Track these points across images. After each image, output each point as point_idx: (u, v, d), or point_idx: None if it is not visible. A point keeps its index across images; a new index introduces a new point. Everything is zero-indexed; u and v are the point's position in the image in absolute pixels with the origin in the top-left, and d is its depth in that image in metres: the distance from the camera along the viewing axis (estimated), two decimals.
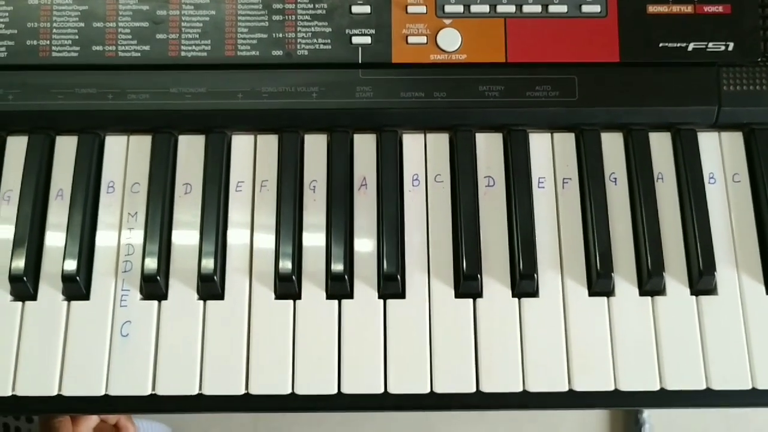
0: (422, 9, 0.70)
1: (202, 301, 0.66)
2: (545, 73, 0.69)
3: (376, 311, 0.66)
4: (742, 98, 0.70)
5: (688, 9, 0.70)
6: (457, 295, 0.66)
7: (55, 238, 0.67)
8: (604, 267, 0.66)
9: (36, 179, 0.68)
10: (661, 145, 0.71)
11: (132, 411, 0.65)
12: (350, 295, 0.66)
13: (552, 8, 0.70)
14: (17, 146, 0.70)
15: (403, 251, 0.67)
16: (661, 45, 0.70)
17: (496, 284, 0.66)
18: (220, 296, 0.66)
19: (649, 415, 1.33)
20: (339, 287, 0.66)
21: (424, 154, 0.70)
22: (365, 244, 0.67)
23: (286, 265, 0.65)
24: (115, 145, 0.70)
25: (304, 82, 0.69)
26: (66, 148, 0.70)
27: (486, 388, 0.64)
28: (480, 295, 0.66)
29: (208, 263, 0.66)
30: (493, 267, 0.67)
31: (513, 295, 0.66)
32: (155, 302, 0.66)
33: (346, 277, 0.65)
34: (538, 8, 0.70)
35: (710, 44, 0.70)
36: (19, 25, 0.69)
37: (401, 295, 0.66)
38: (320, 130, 0.71)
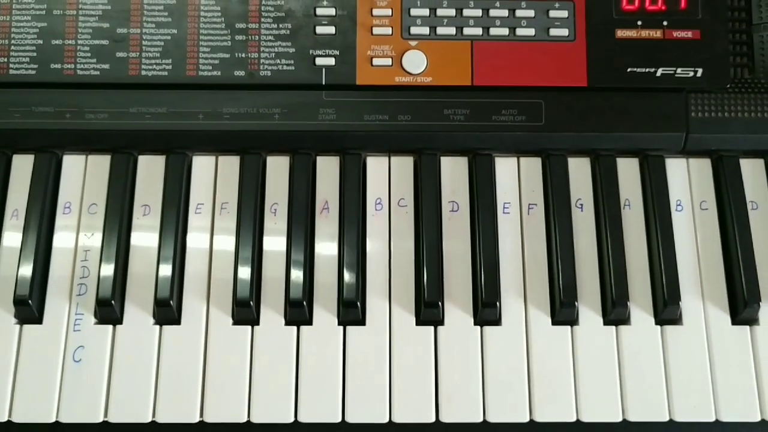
0: (388, 30, 0.69)
1: (158, 326, 0.65)
2: (512, 97, 0.69)
3: (335, 338, 0.64)
4: (711, 125, 0.69)
5: (657, 34, 0.70)
6: (418, 323, 0.65)
7: (7, 259, 0.66)
8: (568, 296, 0.65)
9: None
10: (628, 170, 0.70)
11: None
12: (309, 322, 0.65)
13: (519, 31, 0.69)
14: None
15: (363, 277, 0.66)
16: (629, 70, 0.69)
17: (458, 312, 0.65)
18: (177, 321, 0.65)
19: None
20: (298, 314, 0.64)
21: (387, 178, 0.69)
22: (326, 270, 0.66)
23: (243, 290, 0.64)
24: (72, 164, 0.69)
25: (267, 104, 0.68)
26: (22, 166, 0.69)
27: (446, 418, 0.63)
28: (441, 322, 0.65)
29: (165, 287, 0.64)
30: (456, 294, 0.66)
31: (475, 323, 0.65)
32: (110, 327, 0.65)
33: (305, 303, 0.64)
34: (505, 31, 0.69)
35: (679, 70, 0.69)
36: None
37: (361, 321, 0.65)
38: (282, 152, 0.69)
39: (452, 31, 0.69)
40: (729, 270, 0.67)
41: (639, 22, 0.70)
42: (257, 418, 0.63)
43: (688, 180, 0.70)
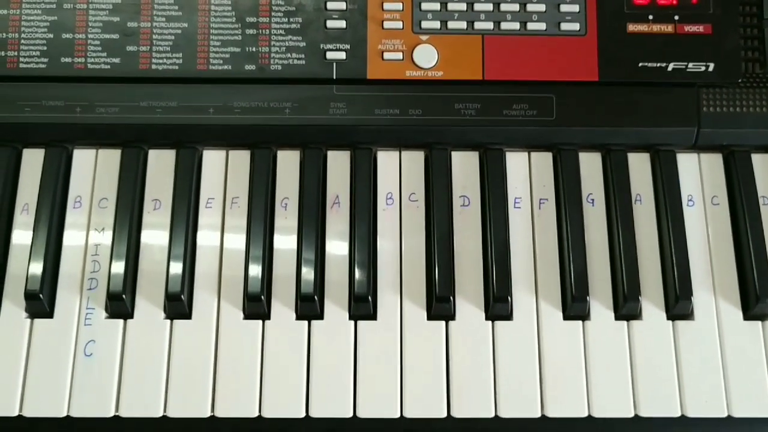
0: (399, 24, 0.69)
1: (168, 321, 0.65)
2: (523, 92, 0.68)
3: (346, 333, 0.64)
4: (722, 120, 0.69)
5: (668, 29, 0.69)
6: (430, 318, 0.65)
7: (18, 253, 0.66)
8: (580, 290, 0.64)
9: (1, 193, 0.67)
10: (639, 165, 0.70)
11: None
12: (320, 316, 0.65)
13: (530, 26, 0.69)
14: None
15: (375, 272, 0.66)
16: (640, 64, 0.69)
17: (469, 306, 0.65)
18: (188, 315, 0.65)
19: None
20: (309, 308, 0.64)
21: (398, 173, 0.69)
22: (337, 264, 0.66)
23: (254, 284, 0.64)
24: (83, 158, 0.69)
25: (277, 98, 0.68)
26: (33, 161, 0.68)
27: (457, 413, 0.63)
28: (453, 317, 0.65)
29: (176, 281, 0.64)
30: (467, 289, 0.65)
31: (486, 318, 0.65)
32: (120, 321, 0.64)
33: (316, 297, 0.64)
34: (516, 25, 0.69)
35: (690, 64, 0.69)
36: None
37: (373, 316, 0.65)
38: (293, 147, 0.69)
39: (463, 25, 0.69)
40: (741, 265, 0.67)
41: (650, 17, 0.69)
42: (268, 413, 0.62)
43: (699, 175, 0.70)
